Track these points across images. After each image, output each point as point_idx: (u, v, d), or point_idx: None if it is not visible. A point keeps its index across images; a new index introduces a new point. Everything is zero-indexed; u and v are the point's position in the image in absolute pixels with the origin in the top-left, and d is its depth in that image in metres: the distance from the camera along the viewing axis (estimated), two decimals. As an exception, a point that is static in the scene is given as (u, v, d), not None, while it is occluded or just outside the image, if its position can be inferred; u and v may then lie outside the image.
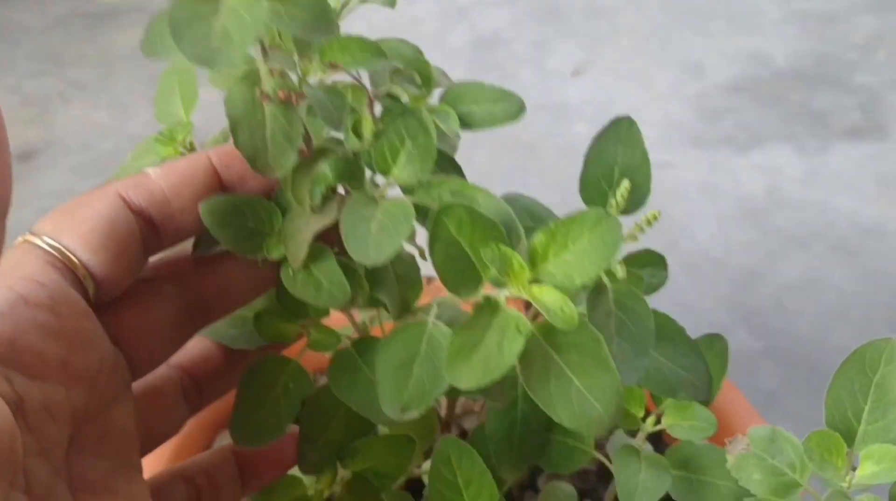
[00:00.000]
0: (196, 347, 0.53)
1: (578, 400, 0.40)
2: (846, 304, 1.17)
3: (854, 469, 0.42)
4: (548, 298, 0.41)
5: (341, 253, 0.46)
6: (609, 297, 0.47)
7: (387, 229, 0.43)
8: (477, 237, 0.43)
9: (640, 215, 0.49)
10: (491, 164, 1.32)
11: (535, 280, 0.42)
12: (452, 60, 1.54)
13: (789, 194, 1.30)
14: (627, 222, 0.47)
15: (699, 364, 0.52)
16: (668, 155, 1.35)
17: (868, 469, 0.42)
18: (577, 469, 0.53)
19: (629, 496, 0.48)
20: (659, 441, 0.71)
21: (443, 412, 0.63)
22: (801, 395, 1.09)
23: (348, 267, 0.47)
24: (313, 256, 0.46)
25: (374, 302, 0.49)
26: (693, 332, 1.14)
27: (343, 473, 0.53)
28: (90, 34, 1.57)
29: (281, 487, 0.53)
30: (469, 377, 0.39)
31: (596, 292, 0.48)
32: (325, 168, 0.45)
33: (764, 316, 1.16)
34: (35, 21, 1.61)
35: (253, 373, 0.50)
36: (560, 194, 1.20)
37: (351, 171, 0.46)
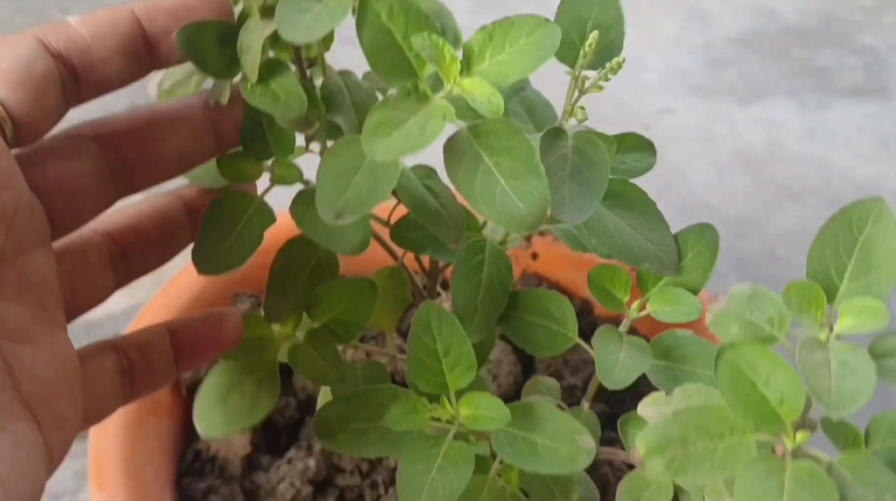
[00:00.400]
0: (124, 216, 0.52)
1: (502, 198, 0.42)
2: (837, 257, 1.16)
3: (832, 326, 0.41)
4: (477, 89, 0.42)
5: None
6: (568, 142, 0.47)
7: (321, 18, 0.42)
8: (411, 28, 0.43)
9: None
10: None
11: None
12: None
13: (788, 148, 1.29)
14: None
15: (667, 239, 0.52)
16: (669, 101, 1.34)
17: (847, 321, 0.40)
18: (559, 353, 0.53)
19: (608, 372, 0.48)
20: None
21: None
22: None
23: (306, 90, 0.47)
24: (270, 70, 0.47)
25: (331, 129, 0.50)
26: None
27: (307, 322, 0.53)
28: None
29: (248, 324, 0.52)
30: (387, 149, 0.40)
31: (553, 135, 0.48)
32: None
33: (756, 265, 1.15)
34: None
35: (217, 207, 0.51)
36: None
37: None
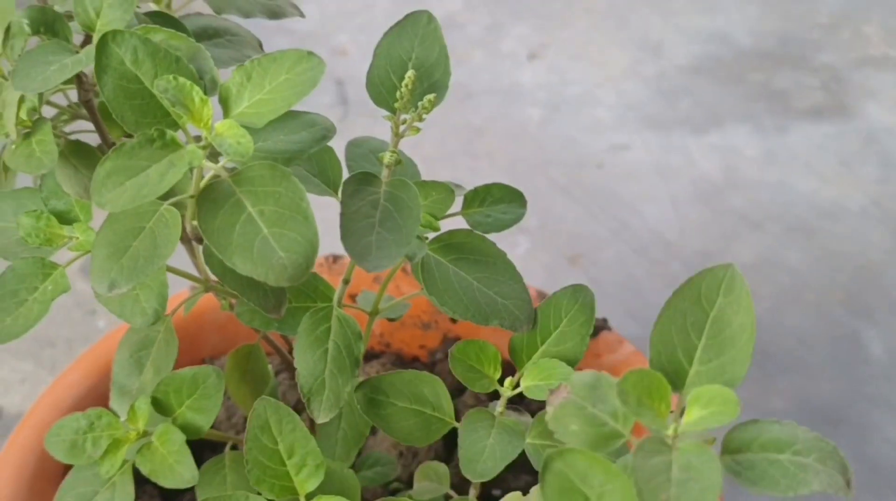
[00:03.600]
0: None
1: (261, 248, 0.39)
2: (801, 286, 1.12)
3: (681, 417, 0.37)
4: (228, 131, 0.39)
5: None
6: (380, 188, 0.45)
7: (64, 67, 0.41)
8: (160, 73, 0.40)
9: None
10: (438, 148, 1.28)
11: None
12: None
13: (746, 175, 1.25)
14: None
15: (520, 292, 0.48)
16: (622, 136, 1.30)
17: (694, 413, 0.36)
18: (433, 441, 0.49)
19: (472, 462, 0.44)
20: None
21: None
22: (755, 381, 1.04)
23: (88, 149, 0.46)
24: (35, 128, 0.45)
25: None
26: (641, 313, 1.09)
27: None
28: None
29: (99, 424, 0.50)
30: (116, 200, 0.37)
31: (362, 179, 0.45)
32: (21, 19, 0.42)
33: (715, 300, 1.11)
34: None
35: (12, 274, 0.48)
36: (510, 176, 1.16)
37: (49, 21, 0.43)
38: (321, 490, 0.44)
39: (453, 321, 0.77)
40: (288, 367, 0.57)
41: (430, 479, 0.53)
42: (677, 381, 0.38)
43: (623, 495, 0.33)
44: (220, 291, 0.53)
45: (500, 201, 0.53)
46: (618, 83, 1.39)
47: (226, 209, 0.40)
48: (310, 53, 0.41)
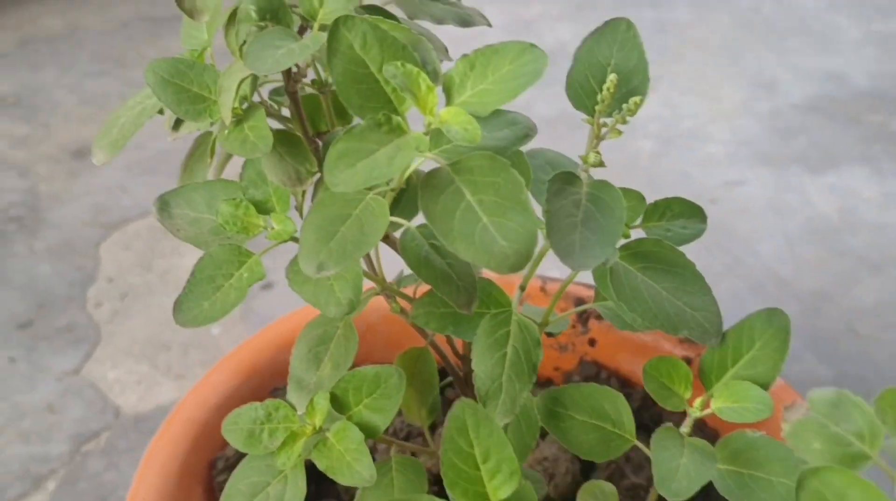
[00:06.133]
0: None
1: (482, 236, 0.39)
2: (925, 332, 1.09)
3: None
4: (454, 118, 0.39)
5: None
6: (582, 189, 0.44)
7: (293, 52, 0.41)
8: (386, 59, 0.40)
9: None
10: (549, 175, 1.27)
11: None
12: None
13: (864, 217, 1.22)
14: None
15: (709, 303, 0.47)
16: (736, 173, 1.29)
17: None
18: (614, 458, 0.47)
19: (667, 481, 0.42)
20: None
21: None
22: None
23: (301, 144, 0.46)
24: (248, 114, 0.45)
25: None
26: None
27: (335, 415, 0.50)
28: (152, 37, 1.57)
29: (273, 417, 0.50)
30: (349, 181, 0.38)
31: (565, 179, 0.44)
32: (248, 5, 0.43)
33: (834, 342, 1.08)
34: (99, 24, 1.61)
35: (210, 260, 0.48)
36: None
37: (274, 9, 0.44)
38: (514, 498, 0.43)
39: (591, 343, 0.76)
40: (452, 373, 0.57)
41: (597, 498, 0.52)
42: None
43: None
44: (394, 292, 0.52)
45: (679, 216, 0.52)
46: (731, 119, 1.38)
47: (446, 196, 0.40)
48: (532, 45, 0.41)
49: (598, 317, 0.75)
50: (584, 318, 0.76)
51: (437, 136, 0.41)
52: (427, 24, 0.52)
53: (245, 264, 0.47)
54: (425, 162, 0.43)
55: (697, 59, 1.48)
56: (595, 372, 0.76)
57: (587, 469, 0.71)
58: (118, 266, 1.16)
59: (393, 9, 0.53)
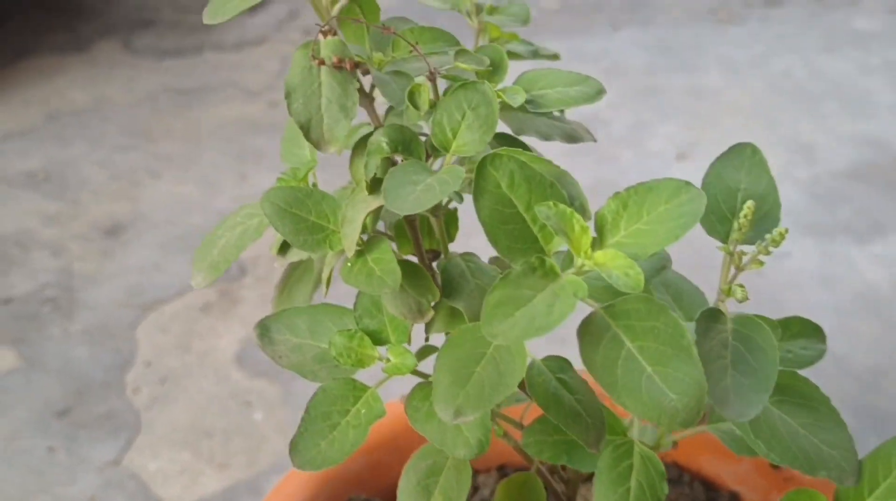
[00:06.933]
0: None
1: (649, 388, 0.37)
2: None
3: None
4: (612, 261, 0.38)
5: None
6: (727, 326, 0.43)
7: (432, 188, 0.39)
8: (534, 198, 0.39)
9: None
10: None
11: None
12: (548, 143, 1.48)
13: (916, 287, 1.20)
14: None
15: (845, 441, 0.46)
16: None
17: None
18: None
19: None
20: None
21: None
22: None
23: (420, 273, 0.44)
24: (370, 246, 0.44)
25: (450, 316, 0.46)
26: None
27: None
28: (179, 109, 1.56)
29: None
30: (509, 332, 0.36)
31: (710, 316, 0.43)
32: (379, 137, 0.42)
33: (895, 421, 1.05)
34: (125, 97, 1.60)
35: (324, 396, 0.46)
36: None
37: (406, 141, 0.42)
38: None
39: (673, 445, 0.73)
40: (556, 498, 0.54)
41: None
42: None
43: None
44: (499, 416, 0.50)
45: (798, 336, 0.51)
46: (771, 187, 1.36)
47: (605, 344, 0.38)
48: (688, 184, 0.39)
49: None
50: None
51: (586, 278, 0.39)
52: (531, 141, 0.50)
53: (361, 398, 0.45)
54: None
55: (732, 125, 1.47)
56: (678, 475, 0.73)
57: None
58: (156, 349, 1.14)
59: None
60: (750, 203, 0.43)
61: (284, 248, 0.48)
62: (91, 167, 1.43)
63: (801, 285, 1.21)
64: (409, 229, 0.46)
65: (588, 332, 0.39)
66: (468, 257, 0.47)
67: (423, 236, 0.50)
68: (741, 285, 0.44)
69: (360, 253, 0.43)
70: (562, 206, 0.38)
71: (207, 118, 1.54)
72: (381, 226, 0.50)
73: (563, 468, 0.55)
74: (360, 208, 0.41)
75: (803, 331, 0.50)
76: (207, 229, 1.31)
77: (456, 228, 0.51)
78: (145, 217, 1.34)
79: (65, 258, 1.26)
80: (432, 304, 0.45)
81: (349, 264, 0.43)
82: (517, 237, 0.40)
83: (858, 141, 1.43)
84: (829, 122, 1.46)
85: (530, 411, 0.51)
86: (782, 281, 1.21)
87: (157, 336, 1.16)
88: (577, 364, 0.43)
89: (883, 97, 1.52)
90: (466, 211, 0.45)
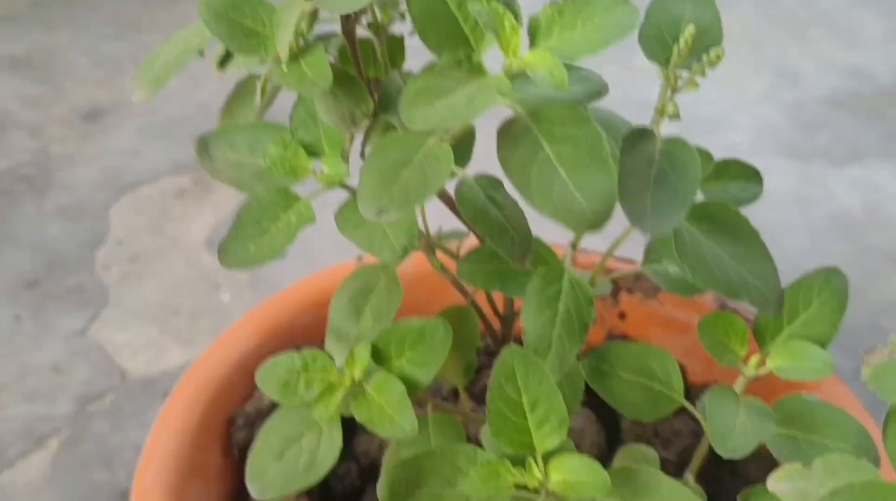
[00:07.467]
0: None
1: (561, 192, 0.38)
2: (949, 329, 1.07)
3: None
4: (540, 61, 0.38)
5: None
6: (656, 146, 0.43)
7: None
8: None
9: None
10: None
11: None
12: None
13: (889, 212, 1.21)
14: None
15: (770, 272, 0.46)
16: (758, 162, 1.26)
17: None
18: (662, 417, 0.46)
19: (723, 438, 0.41)
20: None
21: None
22: None
23: (356, 85, 0.45)
24: (305, 52, 0.44)
25: (385, 129, 0.46)
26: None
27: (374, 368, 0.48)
28: (167, 3, 1.55)
29: (311, 368, 0.48)
30: (425, 120, 0.36)
31: (639, 135, 0.43)
32: None
33: (859, 337, 1.06)
34: (115, -12, 1.59)
35: (257, 203, 0.47)
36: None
37: None
38: (560, 449, 0.41)
39: (621, 316, 0.74)
40: (491, 334, 0.55)
41: (637, 462, 0.50)
42: None
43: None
44: (438, 247, 0.51)
45: (737, 178, 0.51)
46: (754, 108, 1.36)
47: (524, 146, 0.39)
48: (625, 1, 0.40)
49: (629, 290, 0.73)
50: (614, 291, 0.74)
51: (513, 80, 0.39)
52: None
53: (293, 207, 0.45)
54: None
55: (721, 49, 1.46)
56: (626, 348, 0.74)
57: (613, 442, 0.70)
58: (129, 230, 1.14)
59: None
60: (691, 27, 0.43)
61: (224, 62, 0.48)
62: (75, 54, 1.42)
63: (777, 205, 1.22)
64: (348, 42, 0.46)
65: (508, 133, 0.39)
66: (406, 74, 0.48)
67: (367, 65, 0.50)
68: (674, 103, 0.44)
69: (294, 57, 0.43)
70: (495, 4, 0.38)
71: (195, 12, 1.52)
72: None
73: (500, 311, 0.55)
74: (294, 11, 0.41)
75: (742, 174, 0.50)
76: (187, 119, 1.30)
77: (402, 56, 0.51)
78: (126, 105, 1.33)
79: (43, 140, 1.26)
80: (369, 118, 0.45)
81: (283, 68, 0.43)
82: (448, 34, 0.40)
83: (844, 70, 1.42)
84: (816, 49, 1.46)
85: (466, 244, 0.51)
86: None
87: (130, 218, 1.16)
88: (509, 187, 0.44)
89: (871, 28, 1.52)
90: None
